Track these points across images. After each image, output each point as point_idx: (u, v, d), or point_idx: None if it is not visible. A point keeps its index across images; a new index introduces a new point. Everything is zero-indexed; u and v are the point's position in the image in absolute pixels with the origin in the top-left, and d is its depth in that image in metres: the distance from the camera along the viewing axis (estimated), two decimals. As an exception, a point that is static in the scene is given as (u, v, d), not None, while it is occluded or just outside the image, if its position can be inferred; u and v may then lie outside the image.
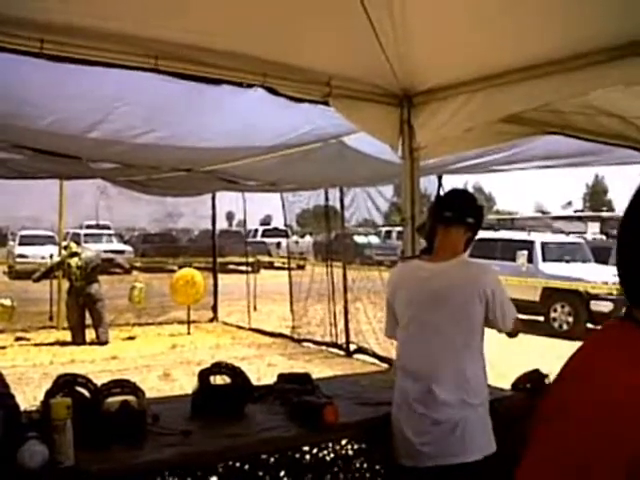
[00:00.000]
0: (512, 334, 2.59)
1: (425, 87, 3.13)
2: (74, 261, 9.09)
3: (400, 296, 2.59)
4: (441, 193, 2.87)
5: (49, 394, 2.32)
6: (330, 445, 2.65)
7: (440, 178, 7.00)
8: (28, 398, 4.46)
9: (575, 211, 33.35)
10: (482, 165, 5.48)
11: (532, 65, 2.66)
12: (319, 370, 6.97)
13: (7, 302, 9.31)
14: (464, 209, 2.60)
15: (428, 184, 6.72)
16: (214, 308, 11.67)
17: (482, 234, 10.34)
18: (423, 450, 2.42)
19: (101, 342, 9.10)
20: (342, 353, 8.78)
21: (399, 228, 14.80)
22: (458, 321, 2.46)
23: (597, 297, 10.74)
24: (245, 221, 15.59)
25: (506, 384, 3.30)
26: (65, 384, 2.41)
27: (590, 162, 5.15)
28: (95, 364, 7.76)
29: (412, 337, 2.54)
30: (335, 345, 9.01)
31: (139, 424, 2.40)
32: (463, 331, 2.46)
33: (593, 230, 19.01)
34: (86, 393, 2.40)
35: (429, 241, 2.66)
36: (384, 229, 21.26)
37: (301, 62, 2.85)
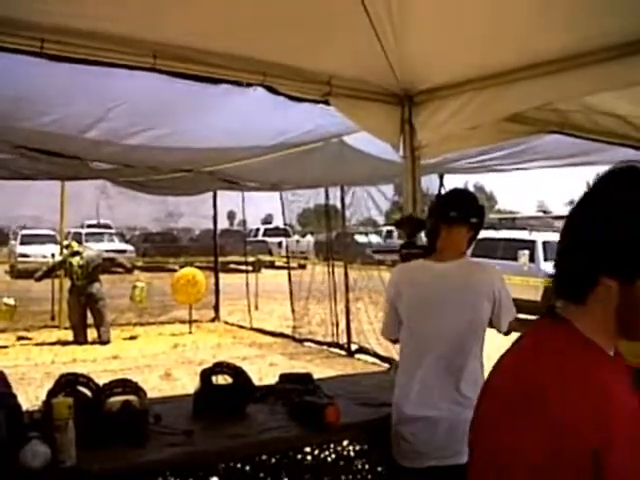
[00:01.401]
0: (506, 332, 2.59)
1: (426, 86, 3.12)
2: (76, 260, 9.10)
3: (406, 296, 2.57)
4: (442, 192, 2.86)
5: (51, 394, 2.32)
6: (331, 446, 2.65)
7: (442, 177, 7.00)
8: (30, 398, 4.47)
9: (576, 210, 33.24)
10: (484, 165, 5.47)
11: (534, 64, 2.64)
12: (320, 370, 6.96)
13: (10, 301, 9.33)
14: (468, 209, 2.59)
15: (429, 183, 6.72)
16: (215, 307, 11.67)
17: (484, 233, 10.35)
18: (422, 450, 2.41)
19: (103, 341, 9.11)
20: (343, 353, 8.77)
21: (400, 227, 14.72)
22: (466, 321, 2.45)
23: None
24: (245, 221, 15.60)
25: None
26: (67, 384, 2.41)
27: (591, 161, 5.14)
28: (97, 363, 7.76)
29: (417, 337, 2.53)
30: (336, 345, 8.99)
31: (141, 424, 2.40)
32: (470, 331, 2.45)
33: (594, 229, 18.96)
34: (88, 393, 2.40)
35: (430, 240, 2.66)
36: (385, 228, 21.22)
37: (301, 61, 2.84)
